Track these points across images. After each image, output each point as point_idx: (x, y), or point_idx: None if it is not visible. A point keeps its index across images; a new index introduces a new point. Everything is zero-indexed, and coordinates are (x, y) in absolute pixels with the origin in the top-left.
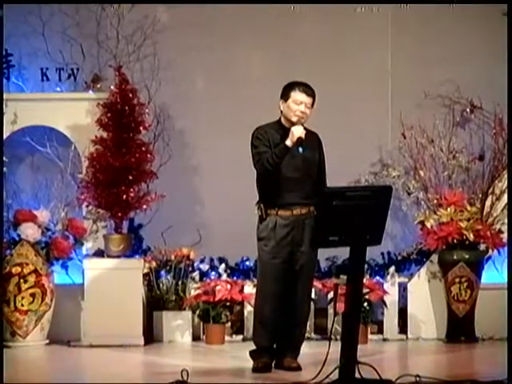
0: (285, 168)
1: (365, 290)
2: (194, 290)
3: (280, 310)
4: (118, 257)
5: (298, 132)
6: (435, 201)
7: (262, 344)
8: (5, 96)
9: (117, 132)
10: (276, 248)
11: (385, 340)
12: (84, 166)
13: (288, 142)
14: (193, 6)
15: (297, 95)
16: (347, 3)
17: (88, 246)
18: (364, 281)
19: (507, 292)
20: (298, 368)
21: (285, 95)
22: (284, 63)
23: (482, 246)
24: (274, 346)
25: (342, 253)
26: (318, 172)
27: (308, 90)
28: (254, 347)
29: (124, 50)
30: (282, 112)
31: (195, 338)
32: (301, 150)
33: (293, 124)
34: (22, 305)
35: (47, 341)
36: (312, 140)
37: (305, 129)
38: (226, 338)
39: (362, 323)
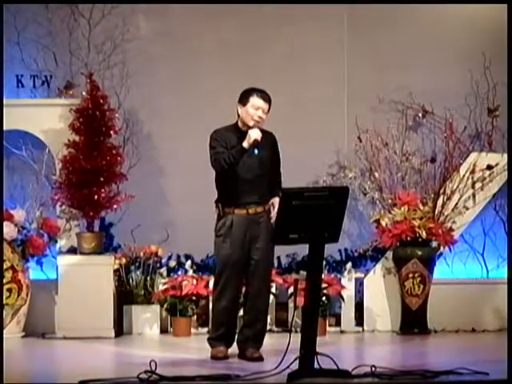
0: (241, 169)
1: (323, 285)
2: (161, 285)
3: (236, 302)
4: (90, 254)
5: (254, 135)
6: (390, 200)
7: (219, 332)
8: None
9: (88, 136)
10: (233, 244)
11: (342, 332)
12: (57, 168)
13: (245, 144)
14: (164, 14)
15: (255, 101)
16: (307, 3)
17: (61, 243)
18: (322, 276)
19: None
20: (261, 358)
21: (243, 100)
22: (244, 69)
23: (434, 243)
24: (234, 335)
25: (302, 250)
26: (273, 171)
27: (265, 97)
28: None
29: (95, 58)
30: (239, 116)
31: (163, 330)
32: (256, 151)
33: (249, 127)
34: None
35: (23, 333)
36: (268, 140)
37: (261, 130)
38: (192, 330)
39: (321, 316)
